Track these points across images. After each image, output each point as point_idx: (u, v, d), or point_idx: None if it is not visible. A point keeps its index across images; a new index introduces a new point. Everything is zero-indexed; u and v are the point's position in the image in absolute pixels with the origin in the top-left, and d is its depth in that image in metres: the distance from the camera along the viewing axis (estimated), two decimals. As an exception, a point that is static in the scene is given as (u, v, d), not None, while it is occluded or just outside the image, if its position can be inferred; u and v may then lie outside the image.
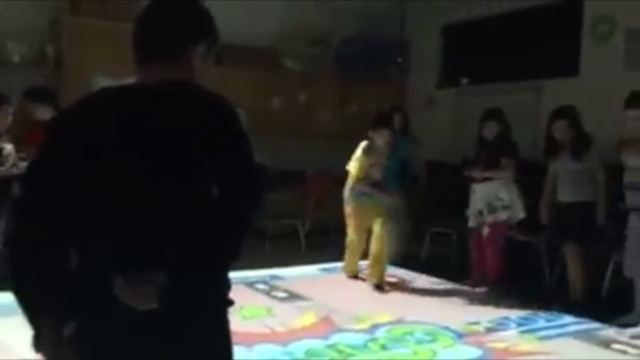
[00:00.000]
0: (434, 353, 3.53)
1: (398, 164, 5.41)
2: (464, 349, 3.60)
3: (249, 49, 7.05)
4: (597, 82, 5.91)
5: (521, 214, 4.89)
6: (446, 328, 3.94)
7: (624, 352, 3.65)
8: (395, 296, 4.87)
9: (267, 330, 3.79)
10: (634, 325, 3.96)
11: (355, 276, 5.30)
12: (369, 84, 7.77)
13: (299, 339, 3.65)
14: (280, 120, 7.24)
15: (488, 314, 4.31)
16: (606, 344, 3.77)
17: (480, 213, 4.92)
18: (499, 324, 4.09)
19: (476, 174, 4.93)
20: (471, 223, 5.04)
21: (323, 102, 7.48)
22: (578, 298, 4.49)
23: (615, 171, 4.20)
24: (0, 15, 5.83)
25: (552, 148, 4.57)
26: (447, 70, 7.96)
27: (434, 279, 5.30)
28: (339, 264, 5.50)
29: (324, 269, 5.64)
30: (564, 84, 6.25)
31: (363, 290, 5.01)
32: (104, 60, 5.92)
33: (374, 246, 5.02)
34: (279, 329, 3.83)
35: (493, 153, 4.83)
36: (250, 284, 4.91)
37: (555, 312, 4.35)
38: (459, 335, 3.83)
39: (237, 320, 3.88)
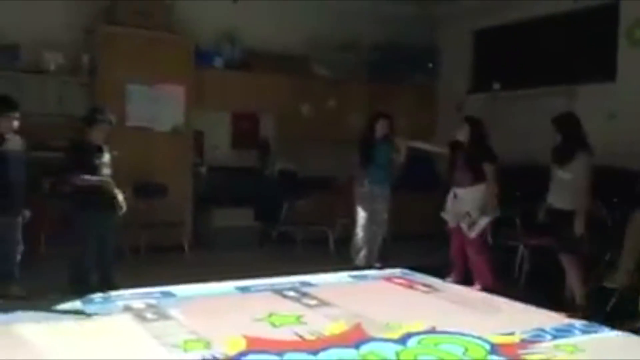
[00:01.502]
0: (467, 364, 3.47)
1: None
2: (497, 361, 3.53)
3: (279, 55, 7.09)
4: (635, 88, 5.76)
5: (497, 213, 5.15)
6: (479, 338, 3.87)
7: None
8: (426, 304, 4.81)
9: (296, 338, 3.77)
10: None
11: None
12: (399, 90, 7.73)
13: (329, 347, 3.62)
14: (309, 126, 7.24)
15: (521, 323, 4.22)
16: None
17: (469, 214, 5.11)
18: (534, 335, 4.00)
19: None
20: (451, 223, 5.28)
21: (353, 108, 7.42)
22: (581, 302, 4.42)
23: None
24: (37, 26, 5.98)
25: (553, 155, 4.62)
26: (479, 76, 7.87)
27: (460, 287, 5.24)
28: (368, 272, 5.44)
29: (354, 276, 5.61)
30: (599, 90, 6.12)
31: (394, 297, 4.97)
32: (138, 69, 6.04)
33: None
34: (308, 337, 3.81)
35: (472, 158, 5.10)
36: (279, 291, 4.90)
37: (592, 323, 4.24)
38: (492, 347, 3.75)
39: (267, 328, 3.92)
